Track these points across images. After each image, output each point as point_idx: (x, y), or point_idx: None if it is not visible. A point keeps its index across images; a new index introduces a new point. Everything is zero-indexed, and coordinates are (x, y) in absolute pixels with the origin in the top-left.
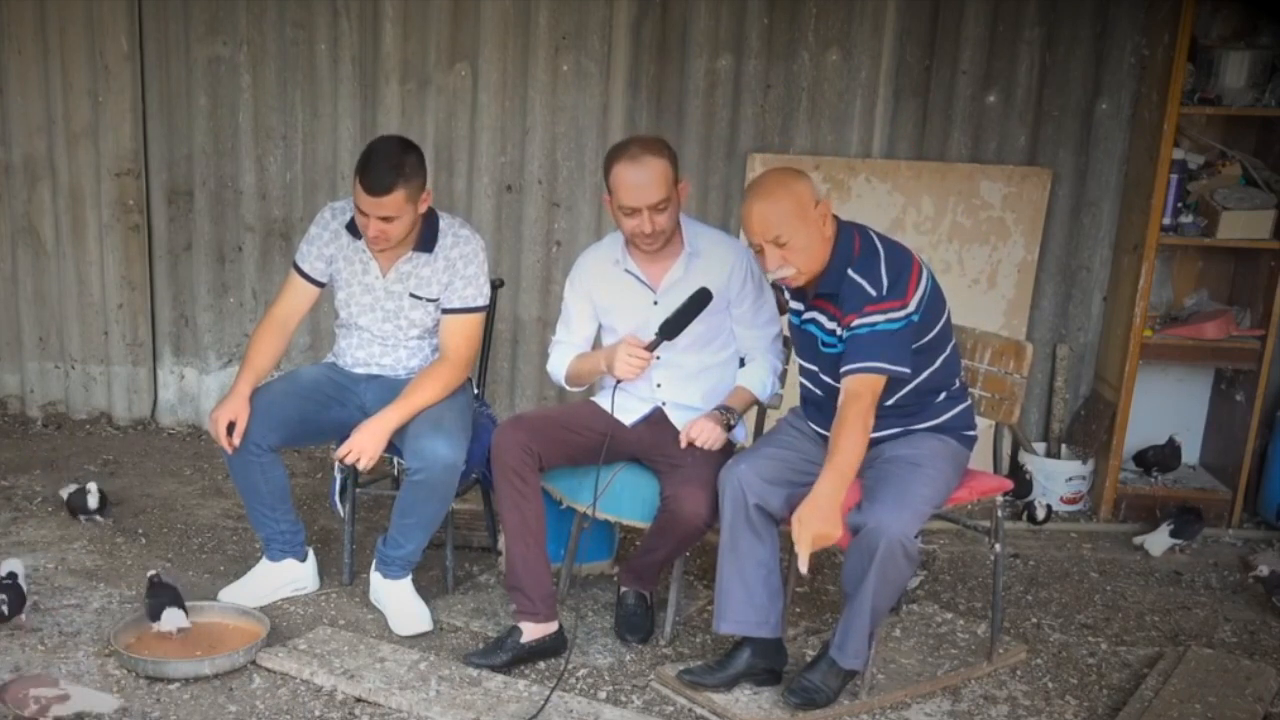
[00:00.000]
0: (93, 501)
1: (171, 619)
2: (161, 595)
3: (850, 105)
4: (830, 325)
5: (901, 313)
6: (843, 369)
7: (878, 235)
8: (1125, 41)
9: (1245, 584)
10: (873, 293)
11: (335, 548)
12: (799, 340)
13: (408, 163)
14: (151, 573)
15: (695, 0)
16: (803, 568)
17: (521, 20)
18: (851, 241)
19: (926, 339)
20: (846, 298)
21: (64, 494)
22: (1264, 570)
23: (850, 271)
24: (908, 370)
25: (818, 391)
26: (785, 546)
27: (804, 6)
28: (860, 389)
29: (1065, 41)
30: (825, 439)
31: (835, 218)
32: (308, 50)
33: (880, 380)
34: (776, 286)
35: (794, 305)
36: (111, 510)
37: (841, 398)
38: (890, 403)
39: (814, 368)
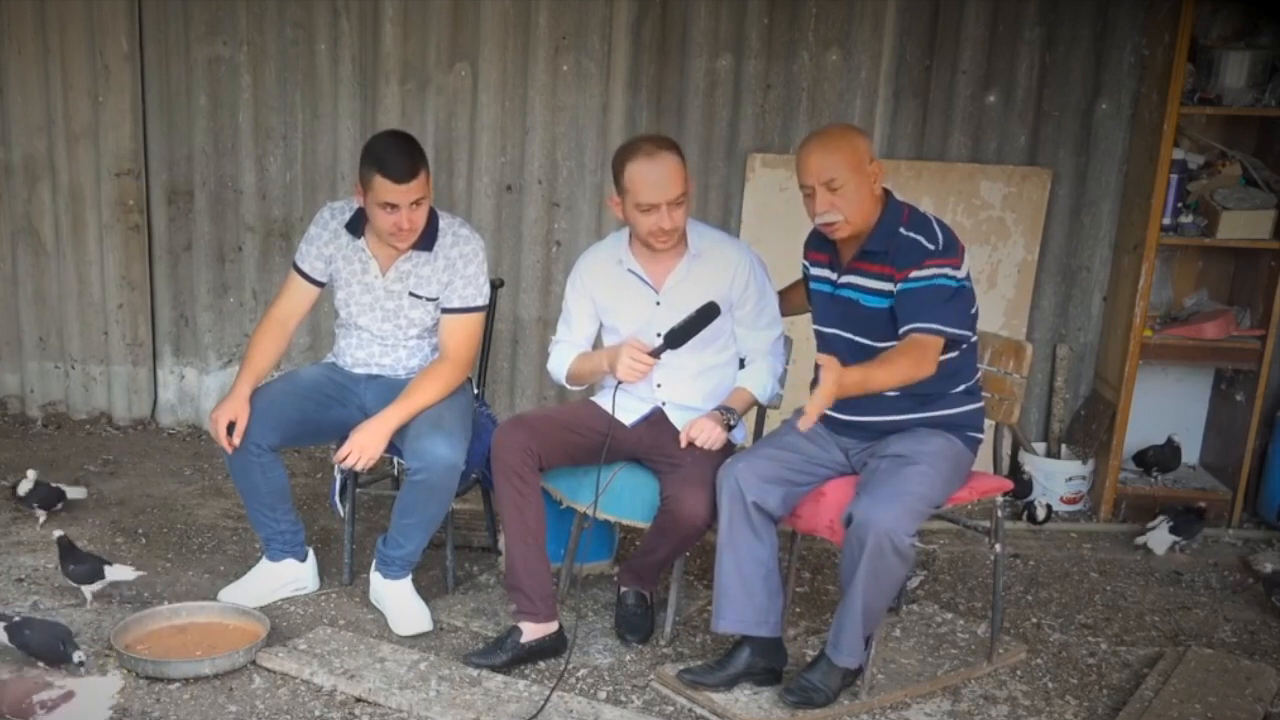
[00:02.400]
0: (23, 488)
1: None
2: (85, 560)
3: (850, 105)
4: (874, 284)
5: (959, 271)
6: (904, 327)
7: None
8: (1125, 41)
9: (1245, 584)
10: (931, 246)
11: (335, 548)
12: (830, 310)
13: (414, 145)
14: (59, 534)
15: (695, 0)
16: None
17: (521, 20)
18: (901, 208)
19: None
20: (901, 253)
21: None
22: (1268, 567)
23: (903, 230)
24: (970, 334)
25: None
26: (784, 546)
27: (804, 6)
28: (925, 343)
29: (1065, 41)
30: (839, 425)
31: (886, 189)
32: (308, 50)
33: (940, 343)
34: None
35: (826, 275)
36: (60, 506)
37: (908, 339)
38: None
39: (846, 334)
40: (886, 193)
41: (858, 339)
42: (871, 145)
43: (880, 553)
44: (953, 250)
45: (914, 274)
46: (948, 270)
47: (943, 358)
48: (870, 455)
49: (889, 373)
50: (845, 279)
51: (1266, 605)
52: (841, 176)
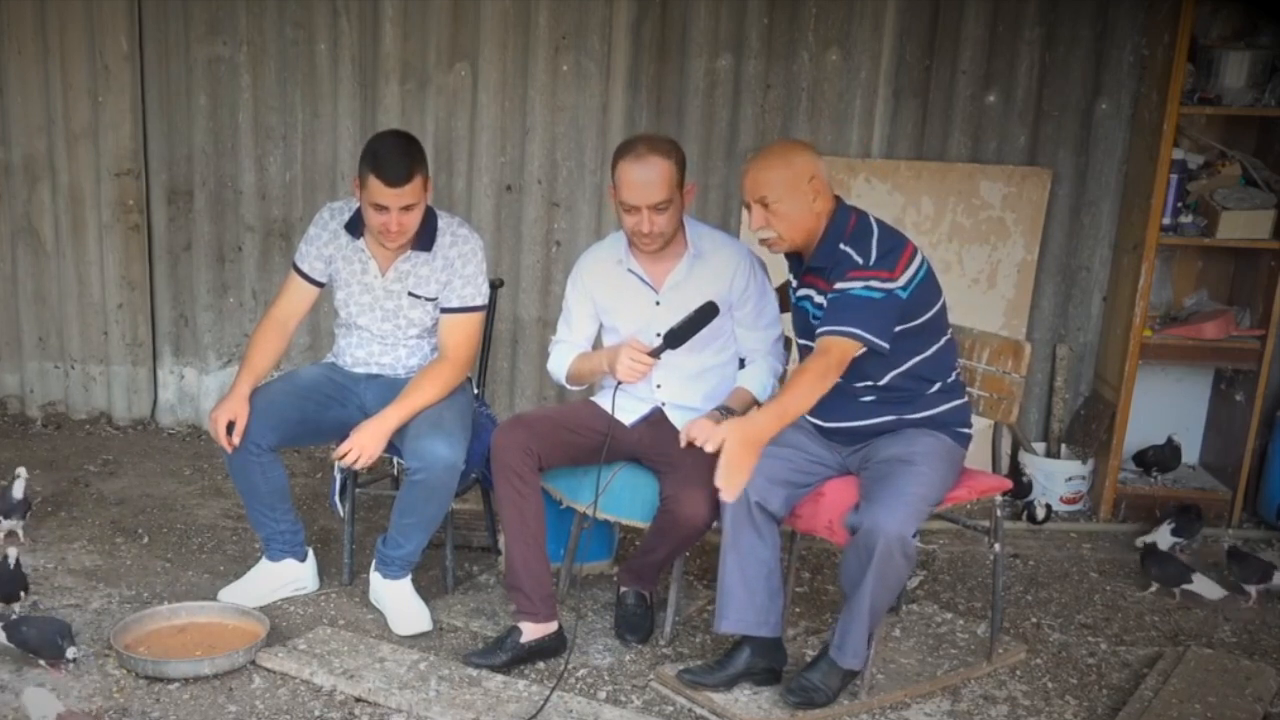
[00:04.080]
0: (18, 490)
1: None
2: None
3: (850, 105)
4: (820, 299)
5: (887, 284)
6: (818, 330)
7: (876, 219)
8: (1125, 41)
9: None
10: (859, 260)
11: (335, 548)
12: (796, 320)
13: (414, 149)
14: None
15: (695, 0)
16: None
17: (521, 20)
18: (847, 220)
19: (917, 322)
20: (836, 267)
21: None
22: (1146, 540)
23: (842, 245)
24: (886, 345)
25: None
26: (784, 546)
27: (804, 6)
28: (829, 347)
29: (1065, 41)
30: (824, 431)
31: (837, 198)
32: (308, 50)
33: (852, 346)
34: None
35: (792, 283)
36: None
37: (817, 345)
38: (883, 383)
39: (812, 344)
40: (838, 202)
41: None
42: (817, 162)
43: (889, 559)
44: (888, 263)
45: (838, 285)
46: (873, 282)
47: (910, 362)
48: (865, 460)
49: (799, 391)
50: (801, 291)
51: (1140, 575)
52: (775, 194)
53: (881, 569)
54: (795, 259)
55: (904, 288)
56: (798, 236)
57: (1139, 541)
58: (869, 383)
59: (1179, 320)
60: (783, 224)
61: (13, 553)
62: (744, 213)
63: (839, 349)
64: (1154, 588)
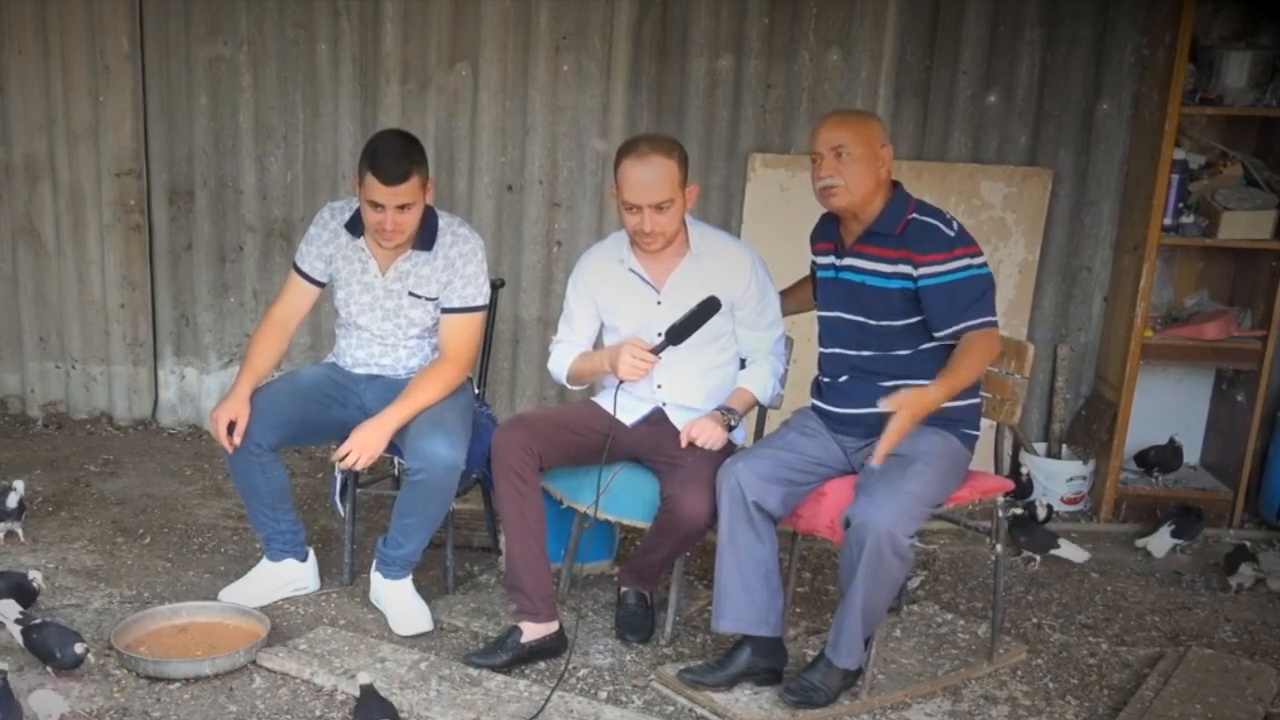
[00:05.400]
0: (12, 500)
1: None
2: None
3: (851, 105)
4: (881, 267)
5: (979, 258)
6: (962, 325)
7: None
8: (1126, 41)
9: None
10: (950, 232)
11: (336, 548)
12: (832, 293)
13: (414, 149)
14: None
15: (695, 0)
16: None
17: (522, 20)
18: (907, 199)
19: None
20: (918, 237)
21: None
22: (1014, 511)
23: (914, 215)
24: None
25: (843, 348)
26: (784, 546)
27: (804, 6)
28: (985, 338)
29: (1066, 41)
30: (837, 421)
31: (896, 182)
32: (308, 50)
33: (997, 333)
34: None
35: (830, 261)
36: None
37: (966, 338)
38: (910, 352)
39: (845, 315)
40: (896, 185)
41: (857, 319)
42: (887, 135)
43: (879, 554)
44: (967, 237)
45: (943, 263)
46: (968, 260)
47: (925, 346)
48: (869, 455)
49: (969, 370)
50: (847, 261)
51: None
52: (850, 146)
53: (872, 565)
54: (832, 229)
55: (985, 265)
56: (857, 194)
57: (1139, 543)
58: (899, 352)
59: (1180, 320)
60: (850, 176)
61: (37, 575)
62: (743, 211)
63: (996, 336)
64: (1024, 554)
